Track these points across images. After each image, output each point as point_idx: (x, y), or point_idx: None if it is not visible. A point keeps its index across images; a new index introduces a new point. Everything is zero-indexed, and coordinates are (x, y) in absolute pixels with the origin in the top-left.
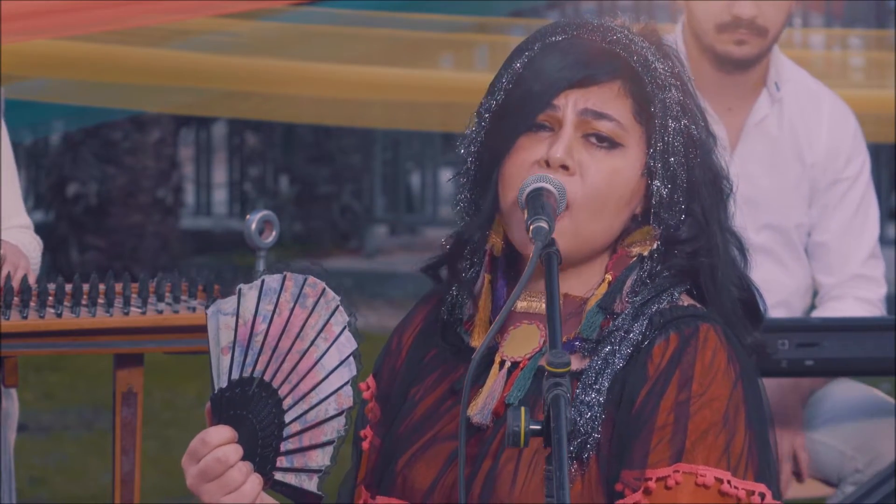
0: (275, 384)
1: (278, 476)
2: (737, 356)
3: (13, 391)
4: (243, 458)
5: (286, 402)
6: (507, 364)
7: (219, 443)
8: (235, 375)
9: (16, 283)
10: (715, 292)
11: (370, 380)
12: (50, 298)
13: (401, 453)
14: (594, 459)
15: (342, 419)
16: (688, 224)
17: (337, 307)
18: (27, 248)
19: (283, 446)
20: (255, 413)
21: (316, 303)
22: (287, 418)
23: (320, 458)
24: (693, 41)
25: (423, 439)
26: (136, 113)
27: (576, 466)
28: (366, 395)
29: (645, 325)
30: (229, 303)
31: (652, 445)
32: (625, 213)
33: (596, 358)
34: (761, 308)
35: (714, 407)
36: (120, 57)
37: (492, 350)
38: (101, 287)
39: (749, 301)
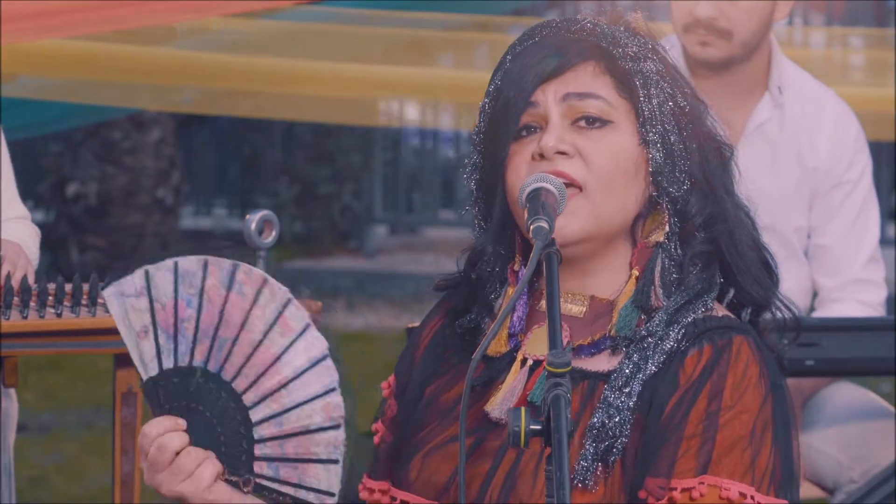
0: (225, 376)
1: (271, 485)
2: (768, 369)
3: (13, 391)
4: (198, 440)
5: (247, 398)
6: (530, 362)
7: (157, 433)
8: (168, 364)
9: (16, 283)
10: (739, 258)
11: (391, 378)
12: (50, 298)
13: (417, 450)
14: (619, 464)
15: (338, 433)
16: (695, 195)
17: (289, 300)
18: (26, 241)
19: (260, 450)
20: (206, 406)
21: (258, 292)
22: (254, 417)
23: (324, 478)
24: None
25: (441, 436)
26: (135, 112)
27: (601, 469)
28: (385, 392)
29: (681, 333)
30: (130, 283)
31: (679, 454)
32: (633, 188)
33: (627, 362)
34: (773, 265)
35: (743, 420)
36: (121, 56)
37: (514, 348)
38: (101, 287)
39: (765, 261)
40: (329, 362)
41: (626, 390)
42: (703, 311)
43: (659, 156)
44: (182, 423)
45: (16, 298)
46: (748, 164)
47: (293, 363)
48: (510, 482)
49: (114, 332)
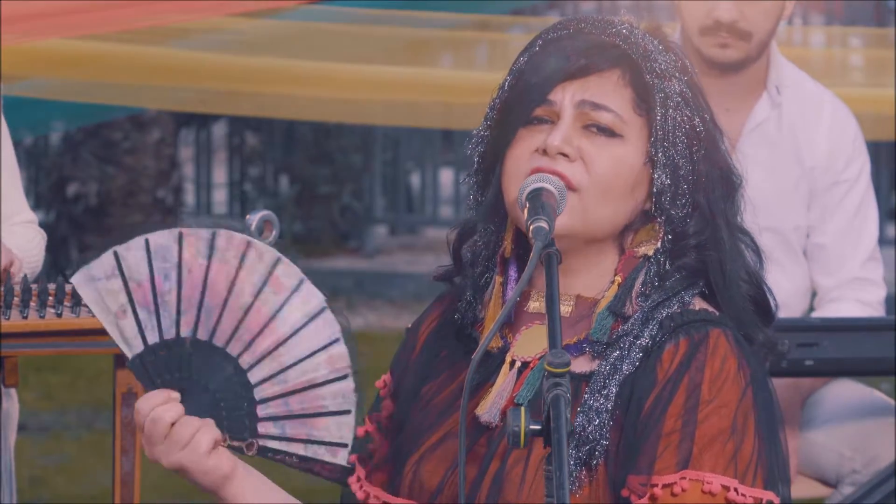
0: (218, 343)
1: (278, 445)
2: (747, 362)
3: (13, 391)
4: (203, 417)
5: (244, 361)
6: (518, 364)
7: (150, 407)
8: (153, 339)
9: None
10: (724, 287)
11: (387, 376)
12: (50, 298)
13: (412, 451)
14: (602, 464)
15: (346, 383)
16: (695, 219)
17: (278, 259)
18: (29, 243)
19: (263, 410)
20: (201, 374)
21: (242, 256)
22: (254, 378)
23: (335, 430)
24: (685, 42)
25: (434, 438)
26: (136, 111)
27: (584, 473)
28: (382, 392)
29: (655, 329)
30: (99, 267)
31: (659, 451)
32: (629, 201)
33: (604, 363)
34: (771, 304)
35: (722, 413)
36: (121, 56)
37: (503, 350)
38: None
39: (759, 297)
40: (328, 314)
41: (604, 392)
42: (679, 306)
43: (664, 177)
44: (175, 395)
45: (16, 298)
46: (747, 164)
47: (289, 320)
48: (497, 487)
49: None
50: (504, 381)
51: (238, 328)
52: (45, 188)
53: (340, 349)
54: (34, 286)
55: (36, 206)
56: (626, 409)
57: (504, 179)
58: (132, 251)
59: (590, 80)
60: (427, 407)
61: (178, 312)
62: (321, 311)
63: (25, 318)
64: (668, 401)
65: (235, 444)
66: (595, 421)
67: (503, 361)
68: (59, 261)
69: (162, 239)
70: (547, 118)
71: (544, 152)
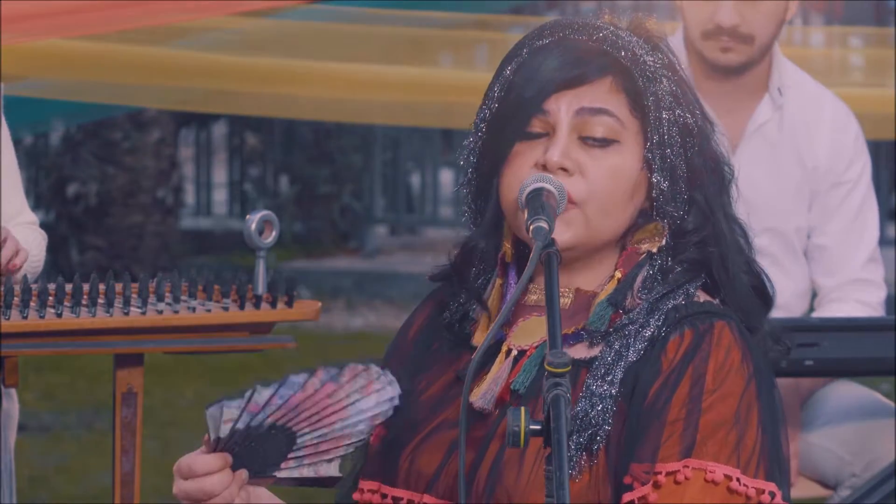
0: (289, 425)
1: (284, 474)
2: (751, 354)
3: (13, 391)
4: (240, 467)
5: (301, 431)
6: (514, 352)
7: (205, 472)
8: (241, 426)
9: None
10: (728, 281)
11: None
12: (50, 298)
13: (406, 442)
14: (603, 451)
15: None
16: (693, 214)
17: (381, 373)
18: (31, 244)
19: (294, 454)
20: (259, 444)
21: (354, 375)
22: (300, 440)
23: (342, 450)
24: (688, 44)
25: (429, 427)
26: (135, 110)
27: (585, 458)
28: None
29: (661, 319)
30: (235, 397)
31: (662, 440)
32: (629, 208)
33: (608, 350)
34: (770, 292)
35: (726, 403)
36: (121, 56)
37: (498, 341)
38: (101, 287)
39: (759, 286)
40: (396, 401)
41: (609, 378)
42: (684, 298)
43: (662, 179)
44: (229, 458)
45: (16, 298)
46: (749, 166)
47: (362, 406)
48: (496, 471)
49: (114, 332)
50: (499, 368)
51: (315, 415)
52: (45, 188)
53: (387, 411)
54: (34, 286)
55: (36, 206)
56: (629, 398)
57: (503, 194)
58: (268, 387)
59: (583, 89)
60: (421, 397)
61: (275, 411)
62: (391, 399)
63: (25, 318)
64: (673, 390)
65: (259, 481)
66: (598, 406)
67: (498, 351)
68: (59, 261)
69: (297, 377)
70: (542, 131)
71: (544, 167)
